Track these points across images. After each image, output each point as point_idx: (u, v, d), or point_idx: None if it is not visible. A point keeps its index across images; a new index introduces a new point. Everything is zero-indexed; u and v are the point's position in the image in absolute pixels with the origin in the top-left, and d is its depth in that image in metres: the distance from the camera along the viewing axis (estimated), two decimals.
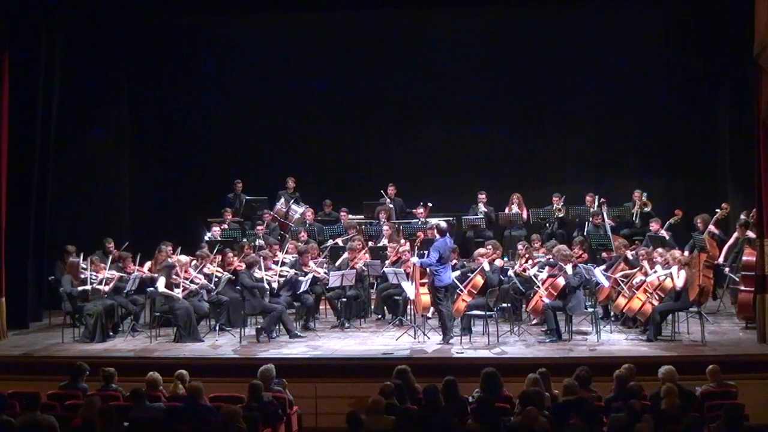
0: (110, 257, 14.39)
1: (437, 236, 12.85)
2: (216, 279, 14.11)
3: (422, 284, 13.16)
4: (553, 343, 12.65)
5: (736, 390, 10.00)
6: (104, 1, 15.47)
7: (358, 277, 14.16)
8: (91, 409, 8.89)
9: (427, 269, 12.84)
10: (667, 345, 12.47)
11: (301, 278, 13.82)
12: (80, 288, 13.52)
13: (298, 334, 13.27)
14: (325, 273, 14.18)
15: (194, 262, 14.10)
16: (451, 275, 12.75)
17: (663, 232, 15.23)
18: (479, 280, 13.03)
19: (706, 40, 16.68)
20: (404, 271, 13.49)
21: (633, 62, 17.76)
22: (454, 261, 13.47)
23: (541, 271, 13.47)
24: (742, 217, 14.38)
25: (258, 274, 13.34)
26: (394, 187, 17.37)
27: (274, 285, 13.61)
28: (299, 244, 15.14)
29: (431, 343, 12.76)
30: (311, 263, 14.23)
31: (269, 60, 18.17)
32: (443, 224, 13.05)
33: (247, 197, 17.44)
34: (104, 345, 13.22)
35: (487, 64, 17.97)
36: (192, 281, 13.59)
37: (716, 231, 14.67)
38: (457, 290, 12.99)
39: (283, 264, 14.20)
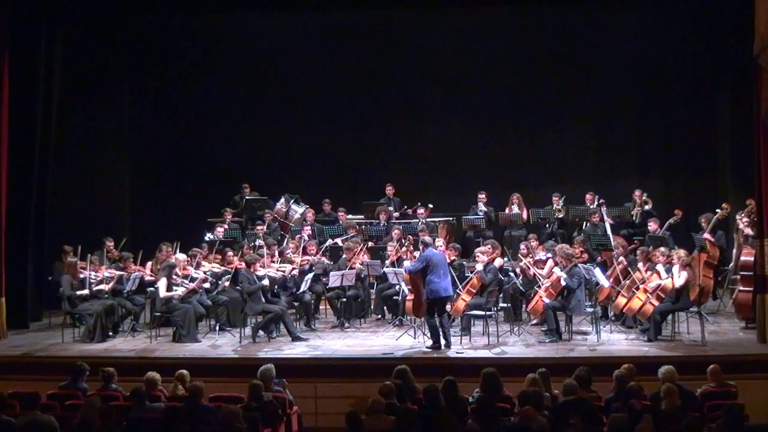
0: (108, 256, 14.41)
1: (424, 249, 12.79)
2: (212, 277, 14.12)
3: (410, 291, 13.11)
4: (553, 343, 12.65)
5: (736, 390, 10.00)
6: (104, 1, 15.48)
7: (357, 277, 14.17)
8: (91, 409, 8.89)
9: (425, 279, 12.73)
10: (667, 345, 12.47)
11: (295, 272, 13.92)
12: (78, 292, 13.51)
13: (300, 336, 13.26)
14: (317, 261, 14.29)
15: (190, 259, 14.14)
16: (446, 287, 12.44)
17: (662, 232, 15.23)
18: (477, 280, 13.02)
19: (706, 40, 16.69)
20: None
21: (633, 62, 17.76)
22: (453, 258, 13.46)
23: (542, 268, 13.49)
24: (737, 218, 14.37)
25: (260, 272, 13.35)
26: (392, 186, 17.38)
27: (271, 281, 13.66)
28: (305, 237, 15.20)
29: (431, 343, 12.74)
30: (296, 258, 14.30)
31: (269, 59, 18.17)
32: (426, 238, 12.98)
33: (247, 197, 17.44)
34: (104, 345, 13.23)
35: (487, 64, 17.97)
36: (191, 279, 13.61)
37: (711, 239, 14.54)
38: (456, 290, 12.97)
39: (283, 262, 14.26)
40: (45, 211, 15.03)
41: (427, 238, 13.00)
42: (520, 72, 17.98)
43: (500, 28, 17.73)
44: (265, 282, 13.35)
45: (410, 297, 12.99)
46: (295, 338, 13.15)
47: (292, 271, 14.08)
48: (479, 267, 13.04)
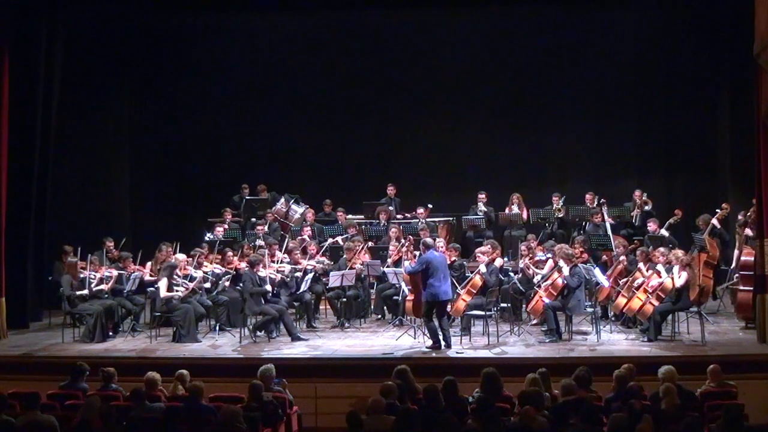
0: (108, 256, 14.42)
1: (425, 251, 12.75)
2: (212, 277, 14.12)
3: (410, 291, 13.10)
4: (553, 343, 12.65)
5: (736, 390, 10.00)
6: (104, 1, 15.48)
7: (357, 277, 14.18)
8: (91, 409, 8.88)
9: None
10: (667, 345, 12.47)
11: (297, 274, 13.88)
12: (78, 292, 13.51)
13: (300, 336, 13.26)
14: (321, 266, 14.29)
15: (190, 260, 14.13)
16: (445, 291, 12.38)
17: (663, 231, 15.24)
18: (478, 280, 13.02)
19: (706, 40, 16.69)
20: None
21: (633, 62, 17.79)
22: (453, 258, 13.44)
23: (541, 268, 13.50)
24: (740, 217, 14.39)
25: (262, 273, 13.34)
26: (393, 187, 17.38)
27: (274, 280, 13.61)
28: (306, 238, 15.23)
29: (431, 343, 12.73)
30: (303, 260, 14.24)
31: (269, 59, 18.19)
32: (428, 240, 12.98)
33: (247, 197, 17.44)
34: (104, 345, 13.22)
35: (487, 64, 17.97)
36: (191, 278, 13.59)
37: (718, 225, 14.64)
38: (456, 290, 12.97)
39: (282, 262, 14.24)
40: (45, 211, 15.03)
41: (429, 240, 12.97)
42: (520, 72, 17.98)
43: (500, 29, 17.73)
44: (267, 287, 13.32)
45: (410, 297, 12.98)
46: (295, 338, 13.14)
47: (294, 272, 14.05)
48: (483, 268, 13.01)
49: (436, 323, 12.46)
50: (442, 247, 13.71)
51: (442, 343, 12.40)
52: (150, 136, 18.52)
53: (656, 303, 12.61)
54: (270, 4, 16.04)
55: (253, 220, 16.78)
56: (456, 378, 9.52)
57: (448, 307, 12.78)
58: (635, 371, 9.92)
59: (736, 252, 14.25)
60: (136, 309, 14.17)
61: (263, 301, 13.31)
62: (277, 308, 13.29)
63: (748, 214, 14.06)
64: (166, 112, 18.61)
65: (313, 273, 14.07)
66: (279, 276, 13.81)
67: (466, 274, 13.34)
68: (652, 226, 15.26)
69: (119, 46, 17.31)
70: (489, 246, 13.75)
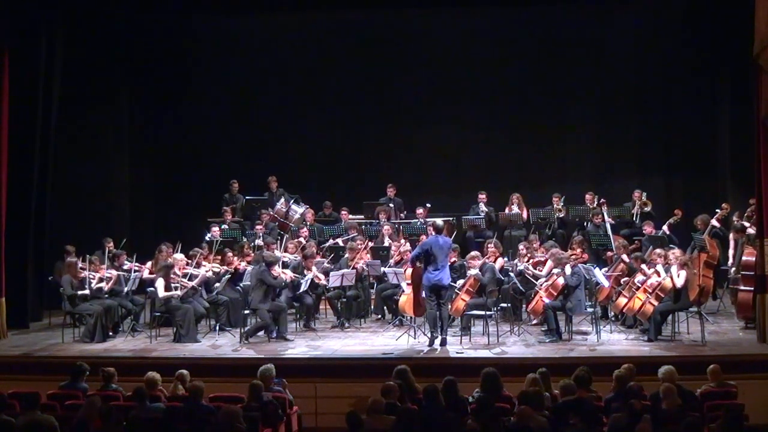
0: (109, 257, 14.43)
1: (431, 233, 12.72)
2: (212, 276, 14.11)
3: (408, 285, 13.09)
4: (553, 343, 12.65)
5: (736, 390, 10.00)
6: (104, 1, 15.47)
7: (358, 277, 14.17)
8: (91, 409, 8.89)
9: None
10: (667, 345, 12.47)
11: (301, 280, 13.82)
12: (79, 292, 13.51)
13: (286, 336, 13.22)
14: (325, 280, 14.15)
15: (189, 260, 14.12)
16: (441, 276, 12.35)
17: (665, 228, 15.24)
18: (475, 280, 13.01)
19: (706, 40, 16.70)
20: (404, 271, 13.47)
21: (633, 62, 17.80)
22: (454, 259, 13.44)
23: (541, 269, 13.51)
24: (736, 222, 14.39)
25: (275, 272, 13.32)
26: (394, 187, 17.38)
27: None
28: (302, 240, 15.19)
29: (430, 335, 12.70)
30: (314, 268, 14.22)
31: (269, 60, 18.18)
32: (439, 222, 12.92)
33: (247, 197, 17.45)
34: (104, 345, 13.23)
35: (487, 64, 17.97)
36: (190, 277, 13.58)
37: (718, 225, 14.65)
38: (455, 290, 12.96)
39: (284, 265, 14.21)
40: (45, 211, 15.04)
41: (439, 222, 12.83)
42: (520, 73, 17.99)
43: (501, 29, 17.75)
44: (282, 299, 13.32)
45: (408, 292, 12.96)
46: (280, 337, 13.11)
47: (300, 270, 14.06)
48: (472, 271, 12.99)
49: (437, 314, 12.43)
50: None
51: (439, 336, 12.37)
52: (150, 137, 18.52)
53: (656, 303, 12.61)
54: (270, 5, 16.03)
55: (247, 228, 16.72)
56: (456, 378, 9.52)
57: (449, 306, 12.77)
58: (635, 371, 9.92)
59: (731, 252, 14.25)
60: (136, 309, 14.18)
61: (269, 301, 13.28)
62: (276, 305, 13.24)
63: (741, 220, 14.03)
64: (165, 113, 18.60)
65: (312, 274, 14.04)
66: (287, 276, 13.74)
67: (467, 274, 13.33)
68: (647, 228, 15.25)
69: (119, 47, 17.31)
70: (492, 247, 13.72)
